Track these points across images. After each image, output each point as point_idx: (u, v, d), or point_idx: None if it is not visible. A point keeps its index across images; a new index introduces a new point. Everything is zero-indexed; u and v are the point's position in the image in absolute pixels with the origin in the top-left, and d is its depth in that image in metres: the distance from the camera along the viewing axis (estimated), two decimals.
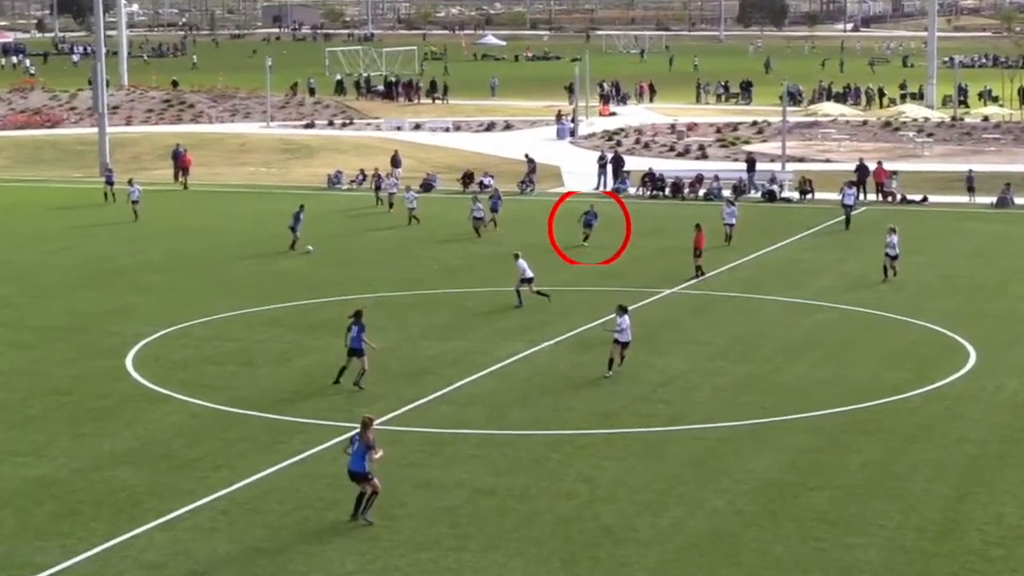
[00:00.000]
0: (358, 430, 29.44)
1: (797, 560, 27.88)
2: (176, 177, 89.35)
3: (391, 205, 73.45)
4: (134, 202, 72.96)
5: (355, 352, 39.85)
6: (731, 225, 63.57)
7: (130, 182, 74.44)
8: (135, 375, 42.19)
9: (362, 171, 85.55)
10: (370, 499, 29.10)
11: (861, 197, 78.47)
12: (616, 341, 40.95)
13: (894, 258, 54.03)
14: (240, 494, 31.73)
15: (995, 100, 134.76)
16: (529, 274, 50.98)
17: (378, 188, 78.29)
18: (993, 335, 46.71)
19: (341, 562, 27.60)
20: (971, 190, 78.66)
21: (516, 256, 51.83)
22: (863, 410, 38.30)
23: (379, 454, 29.35)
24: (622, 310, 41.44)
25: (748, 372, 42.36)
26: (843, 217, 68.85)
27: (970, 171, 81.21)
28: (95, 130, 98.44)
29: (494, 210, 68.93)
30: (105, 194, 78.44)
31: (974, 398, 39.41)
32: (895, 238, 53.92)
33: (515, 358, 43.81)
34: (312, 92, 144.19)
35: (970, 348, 44.75)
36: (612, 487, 32.21)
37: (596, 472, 33.24)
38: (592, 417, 37.69)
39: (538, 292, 51.15)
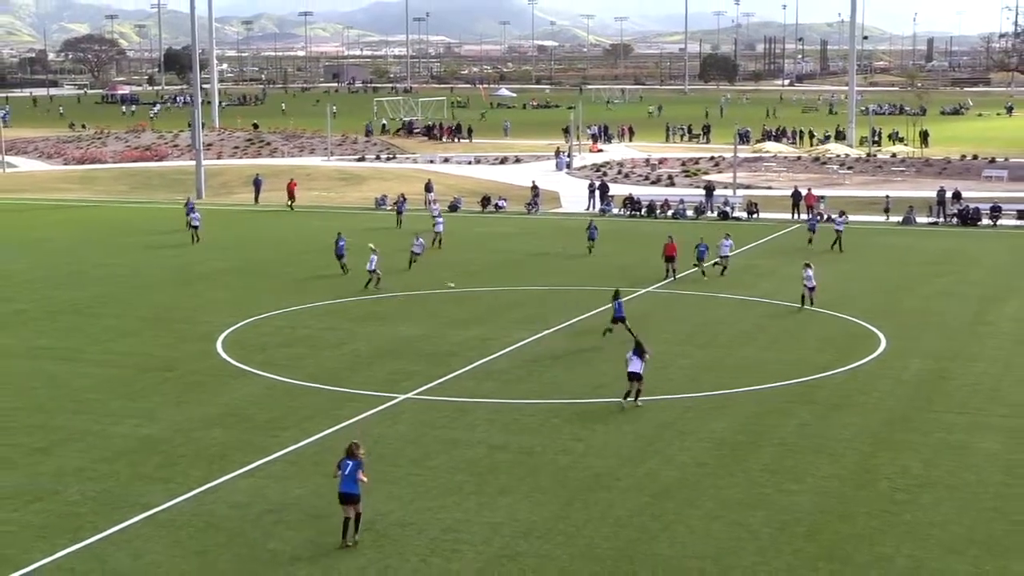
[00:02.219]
0: (344, 456, 25.95)
1: (746, 502, 27.91)
2: (256, 199, 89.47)
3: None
4: (194, 227, 69.13)
5: (618, 320, 43.44)
6: (726, 257, 57.44)
7: (192, 209, 71.84)
8: (223, 355, 42.29)
9: (402, 195, 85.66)
10: (358, 520, 25.68)
11: (795, 216, 78.79)
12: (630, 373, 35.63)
13: (811, 289, 49.31)
14: (305, 449, 31.84)
15: (901, 140, 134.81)
16: (372, 267, 52.97)
17: (399, 212, 76.60)
18: (900, 326, 46.64)
19: (385, 504, 27.65)
20: (887, 211, 78.52)
21: (372, 249, 53.98)
22: (798, 384, 38.33)
23: (366, 479, 25.97)
24: (636, 347, 36.06)
25: (708, 355, 42.38)
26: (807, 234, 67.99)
27: (887, 196, 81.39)
28: (193, 163, 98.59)
29: (591, 239, 64.02)
30: (188, 223, 72.12)
31: (885, 375, 39.43)
32: (810, 271, 49.68)
33: (522, 343, 43.82)
34: (369, 133, 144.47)
35: (882, 336, 44.71)
36: (600, 445, 32.26)
37: (587, 432, 33.29)
38: (584, 389, 37.71)
39: (367, 283, 53.21)
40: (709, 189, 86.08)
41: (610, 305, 44.74)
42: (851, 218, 78.08)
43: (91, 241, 72.11)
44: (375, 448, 31.67)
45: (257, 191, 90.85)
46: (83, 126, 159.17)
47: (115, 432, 33.34)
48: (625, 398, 35.61)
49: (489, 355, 41.97)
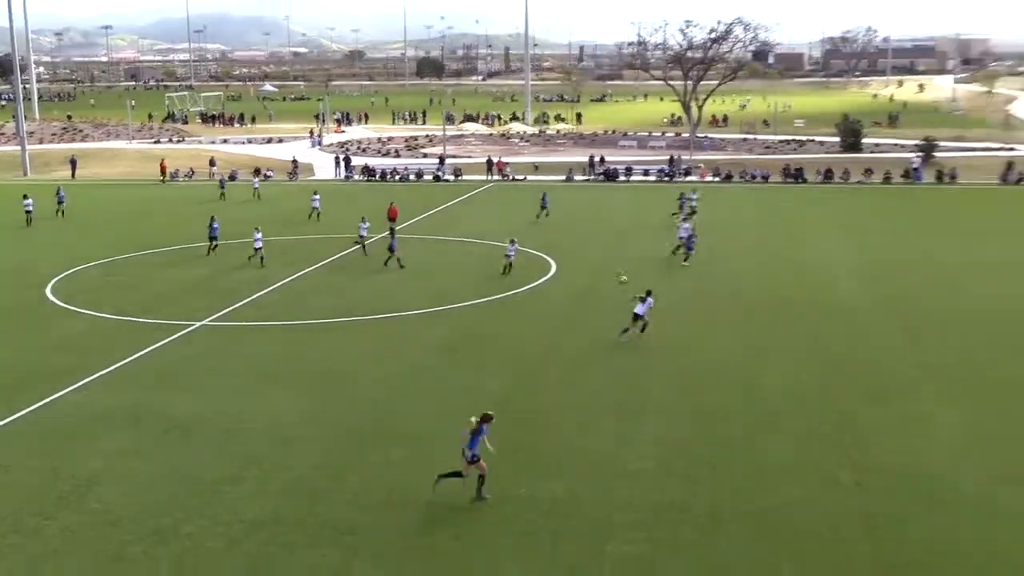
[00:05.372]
0: (479, 421, 21.60)
1: (455, 387, 28.48)
2: (73, 175, 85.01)
3: (256, 196, 69.90)
4: (27, 212, 59.20)
5: (391, 248, 45.00)
6: (684, 242, 47.17)
7: (24, 196, 61.05)
8: (52, 299, 40.36)
9: (191, 168, 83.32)
10: (481, 482, 21.56)
11: (488, 176, 79.86)
12: (635, 314, 32.92)
13: (509, 257, 43.68)
14: (124, 368, 30.86)
15: (563, 120, 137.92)
16: (258, 245, 46.10)
17: (222, 186, 71.69)
18: (565, 255, 47.95)
19: (193, 404, 27.22)
20: (570, 170, 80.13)
21: (256, 229, 47.48)
22: (495, 300, 39.10)
23: (490, 447, 21.66)
24: (647, 293, 33.22)
25: (431, 283, 42.72)
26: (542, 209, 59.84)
27: (537, 163, 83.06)
28: (18, 148, 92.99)
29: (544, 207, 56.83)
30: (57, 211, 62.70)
31: (556, 290, 40.61)
32: (514, 247, 43.75)
33: (292, 278, 43.31)
34: (172, 118, 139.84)
35: (552, 262, 45.96)
36: (351, 351, 32.35)
37: (341, 342, 33.35)
38: (336, 312, 37.58)
39: (261, 257, 45.83)
40: (441, 159, 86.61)
41: (386, 235, 46.82)
42: (530, 177, 79.76)
43: None
44: (180, 366, 31.02)
45: (73, 168, 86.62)
46: None
47: None
48: (623, 333, 32.79)
49: (263, 289, 41.32)
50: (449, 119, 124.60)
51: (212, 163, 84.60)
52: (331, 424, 25.97)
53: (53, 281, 43.41)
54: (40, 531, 20.59)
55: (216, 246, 48.81)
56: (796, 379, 29.29)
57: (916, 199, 68.90)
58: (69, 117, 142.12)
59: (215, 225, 49.41)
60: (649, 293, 33.40)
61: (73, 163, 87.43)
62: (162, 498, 21.81)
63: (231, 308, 38.19)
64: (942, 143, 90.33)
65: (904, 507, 21.33)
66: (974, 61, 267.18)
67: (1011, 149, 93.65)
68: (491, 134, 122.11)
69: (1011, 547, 19.83)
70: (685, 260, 45.81)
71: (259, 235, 47.01)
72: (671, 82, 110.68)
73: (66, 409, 27.26)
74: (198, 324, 35.83)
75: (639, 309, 33.04)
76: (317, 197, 61.51)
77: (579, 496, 21.76)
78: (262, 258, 46.16)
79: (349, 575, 18.92)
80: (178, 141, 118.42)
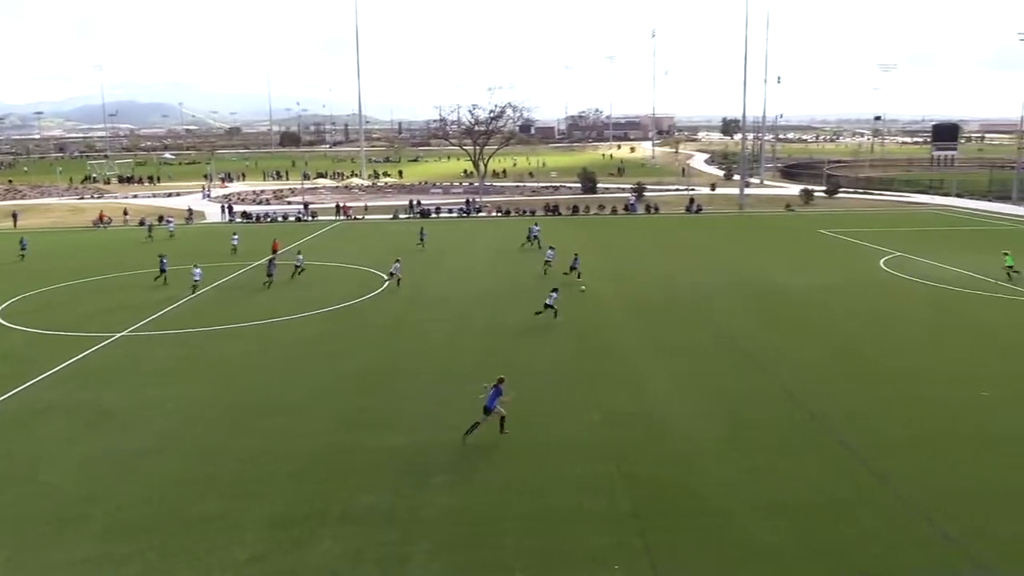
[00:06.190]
0: (495, 383, 21.50)
1: (329, 370, 27.56)
2: (15, 225, 77.73)
3: (172, 236, 64.68)
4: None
5: (270, 275, 42.14)
6: (548, 262, 44.58)
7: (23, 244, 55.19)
8: (1, 320, 36.87)
9: (110, 217, 77.59)
10: (502, 422, 21.52)
11: (337, 216, 77.95)
12: (548, 304, 33.05)
13: (393, 275, 44.45)
14: (63, 371, 28.46)
15: (389, 175, 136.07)
16: (197, 278, 41.78)
17: (145, 226, 66.42)
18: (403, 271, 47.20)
19: (116, 396, 25.32)
20: (396, 211, 78.69)
21: (195, 265, 42.99)
22: (347, 306, 38.05)
23: (508, 398, 21.57)
24: (554, 289, 33.59)
25: (300, 295, 41.19)
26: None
27: (368, 206, 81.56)
28: None
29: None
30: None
31: (391, 297, 39.61)
32: (398, 264, 42.64)
33: (191, 297, 40.88)
34: (91, 179, 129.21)
35: (385, 278, 45.09)
36: (243, 348, 30.83)
37: (237, 343, 31.69)
38: (232, 320, 35.71)
39: (194, 287, 41.51)
40: (305, 205, 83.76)
41: (265, 262, 44.96)
42: (368, 217, 78.19)
43: None
44: (104, 366, 28.82)
45: (15, 220, 79.13)
46: None
47: None
48: (536, 313, 33.09)
49: (171, 306, 38.93)
50: (306, 176, 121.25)
51: (125, 212, 79.19)
52: (227, 405, 24.73)
53: (2, 306, 39.59)
54: None
55: (164, 276, 44.56)
56: (557, 351, 29.84)
57: (634, 225, 71.70)
58: (10, 181, 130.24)
59: (164, 261, 45.58)
60: (556, 290, 33.69)
61: (14, 215, 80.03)
62: (94, 470, 20.25)
63: (145, 321, 35.78)
64: (648, 186, 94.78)
65: (636, 436, 22.06)
66: (664, 131, 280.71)
67: (691, 189, 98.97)
68: (337, 186, 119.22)
69: (704, 460, 20.81)
70: (579, 280, 40.91)
71: (198, 270, 42.19)
72: (464, 147, 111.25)
73: (12, 406, 24.91)
74: (119, 335, 33.44)
75: (549, 300, 33.02)
76: (236, 237, 58.03)
77: (412, 444, 21.47)
78: (195, 287, 42.12)
79: (236, 515, 18.05)
80: (98, 197, 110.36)
